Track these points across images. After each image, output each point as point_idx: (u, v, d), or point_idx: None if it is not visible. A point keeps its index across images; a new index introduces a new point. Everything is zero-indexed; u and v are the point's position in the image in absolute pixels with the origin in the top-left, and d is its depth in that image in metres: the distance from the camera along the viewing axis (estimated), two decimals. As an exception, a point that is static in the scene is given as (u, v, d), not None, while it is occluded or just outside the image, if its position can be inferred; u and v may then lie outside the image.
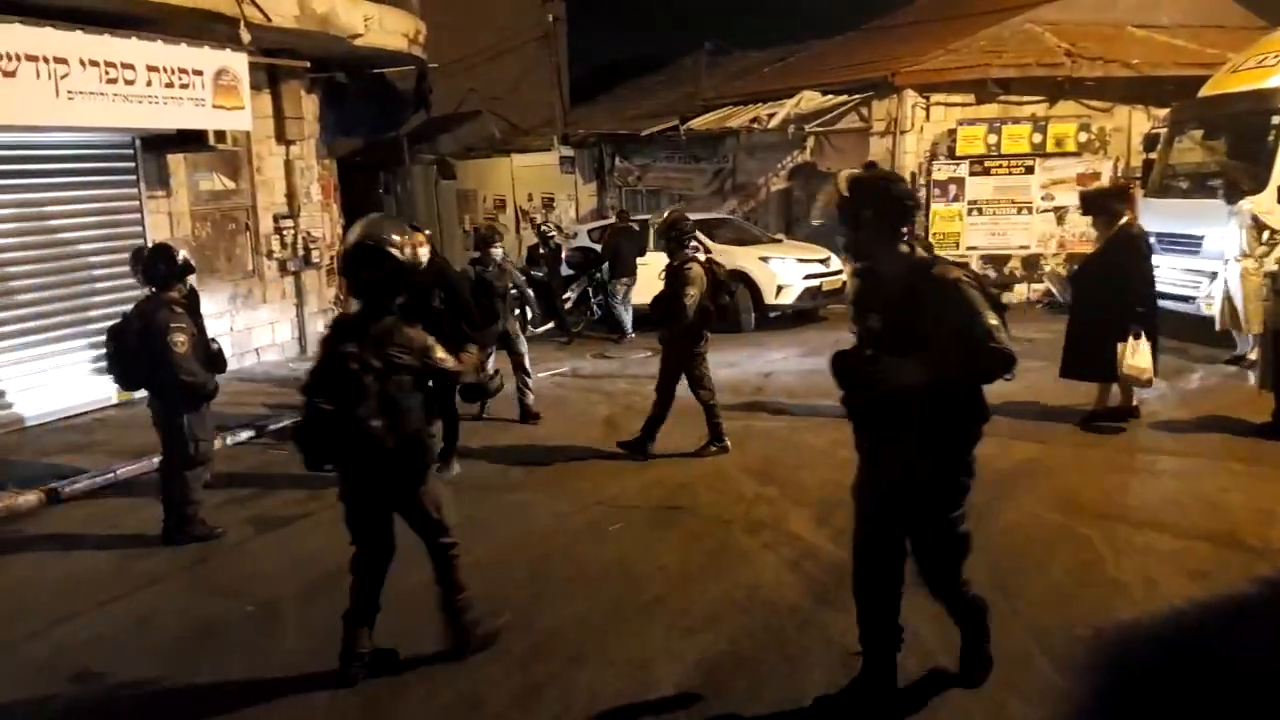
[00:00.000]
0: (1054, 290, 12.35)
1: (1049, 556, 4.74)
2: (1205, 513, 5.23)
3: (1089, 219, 7.08)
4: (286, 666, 3.93)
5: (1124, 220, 6.62)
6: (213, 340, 5.45)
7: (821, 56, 16.97)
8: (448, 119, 25.93)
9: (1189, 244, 9.50)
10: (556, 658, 3.87)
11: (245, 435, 7.83)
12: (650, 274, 12.37)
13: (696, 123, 15.62)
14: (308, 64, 9.85)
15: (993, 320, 2.99)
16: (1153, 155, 10.82)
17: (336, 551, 4.01)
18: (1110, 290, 6.51)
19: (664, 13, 27.02)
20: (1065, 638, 3.88)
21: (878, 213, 3.16)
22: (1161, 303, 8.75)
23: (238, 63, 8.33)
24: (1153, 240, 9.43)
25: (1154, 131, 11.27)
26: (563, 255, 12.13)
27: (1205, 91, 10.30)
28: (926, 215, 13.52)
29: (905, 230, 3.18)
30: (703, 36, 22.15)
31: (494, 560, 4.92)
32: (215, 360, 5.41)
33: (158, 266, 5.25)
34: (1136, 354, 6.46)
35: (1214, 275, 8.91)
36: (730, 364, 10.16)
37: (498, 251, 7.67)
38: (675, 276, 6.58)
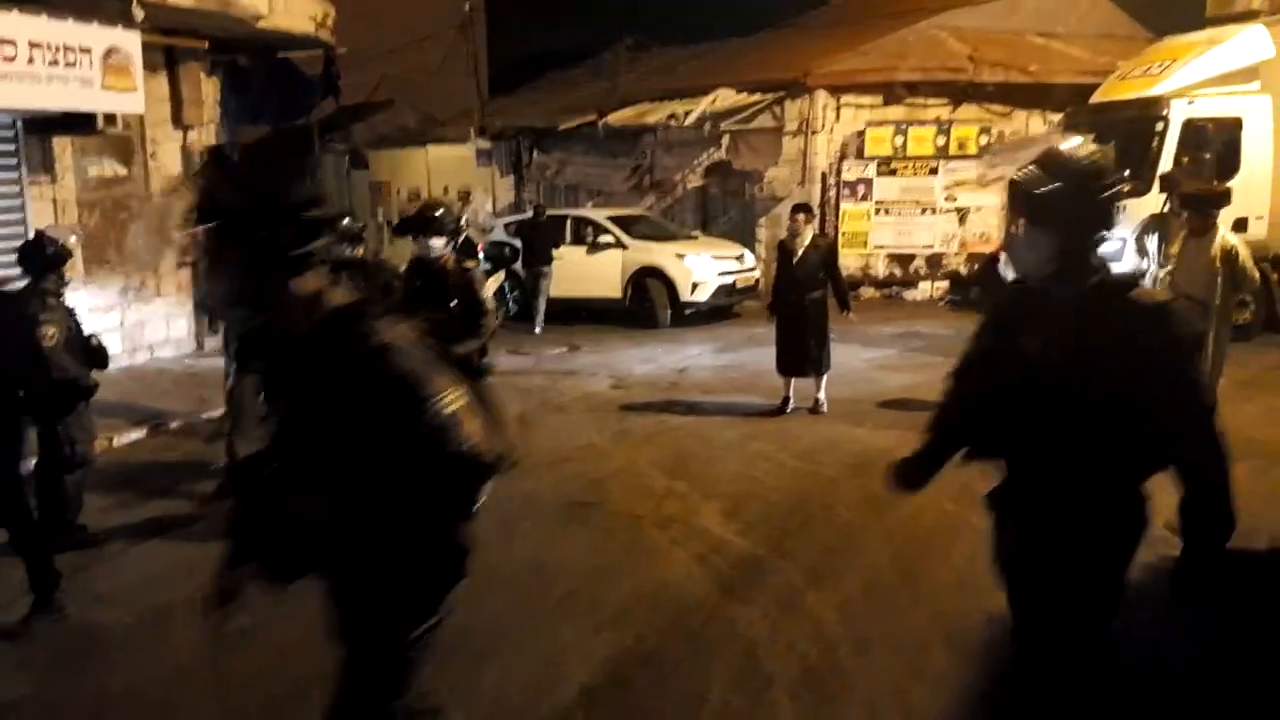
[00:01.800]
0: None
1: (947, 545, 4.87)
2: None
3: (992, 219, 7.31)
4: (170, 682, 3.74)
5: None
6: (91, 335, 5.17)
7: (738, 55, 17.14)
8: (361, 108, 25.27)
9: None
10: (465, 655, 3.79)
11: (135, 435, 7.46)
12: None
13: (614, 118, 15.61)
14: (205, 44, 9.43)
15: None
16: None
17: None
18: None
19: (587, 6, 26.95)
20: (965, 624, 3.98)
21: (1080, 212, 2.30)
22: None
23: (129, 41, 7.93)
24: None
25: (1050, 133, 11.74)
26: (478, 250, 11.92)
27: (1096, 98, 10.80)
28: (837, 214, 13.82)
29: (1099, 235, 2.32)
30: (626, 30, 22.19)
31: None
32: (94, 356, 5.13)
33: (30, 254, 4.95)
34: None
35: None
36: (647, 359, 10.20)
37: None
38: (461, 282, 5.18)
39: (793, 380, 7.55)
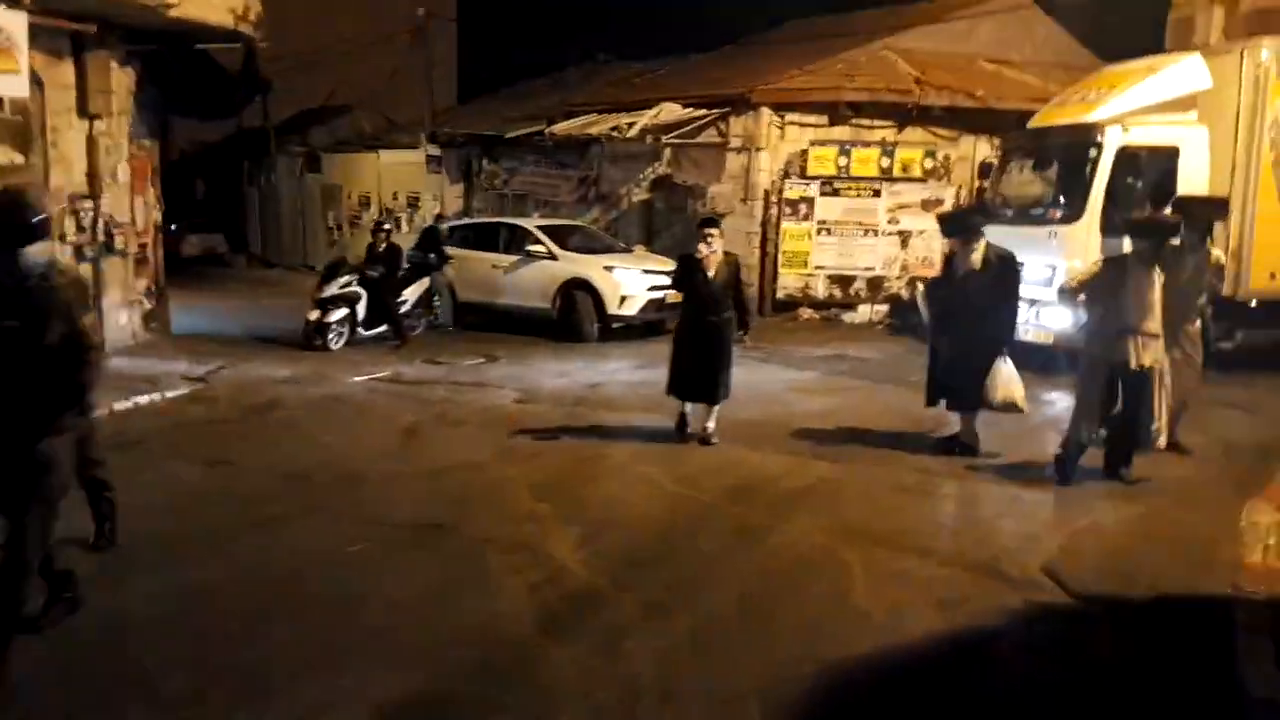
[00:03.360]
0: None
1: (805, 583, 4.55)
2: (976, 539, 5.15)
3: (948, 240, 6.97)
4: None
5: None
6: None
7: (689, 70, 16.94)
8: (319, 111, 25.03)
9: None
10: (215, 703, 3.41)
11: None
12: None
13: (559, 127, 15.32)
14: (93, 28, 9.00)
15: None
16: (986, 183, 11.07)
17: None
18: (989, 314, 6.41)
19: (563, 21, 26.80)
20: (790, 675, 3.65)
21: None
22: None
23: (14, 22, 7.54)
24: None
25: (987, 160, 11.55)
26: (403, 255, 11.57)
27: (1033, 123, 10.60)
28: (778, 233, 13.57)
29: None
30: (601, 47, 21.98)
31: (208, 585, 4.42)
32: None
33: None
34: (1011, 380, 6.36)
35: (1033, 302, 9.10)
36: (561, 374, 9.85)
37: None
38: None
39: (687, 403, 7.12)
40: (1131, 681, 3.69)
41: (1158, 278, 5.77)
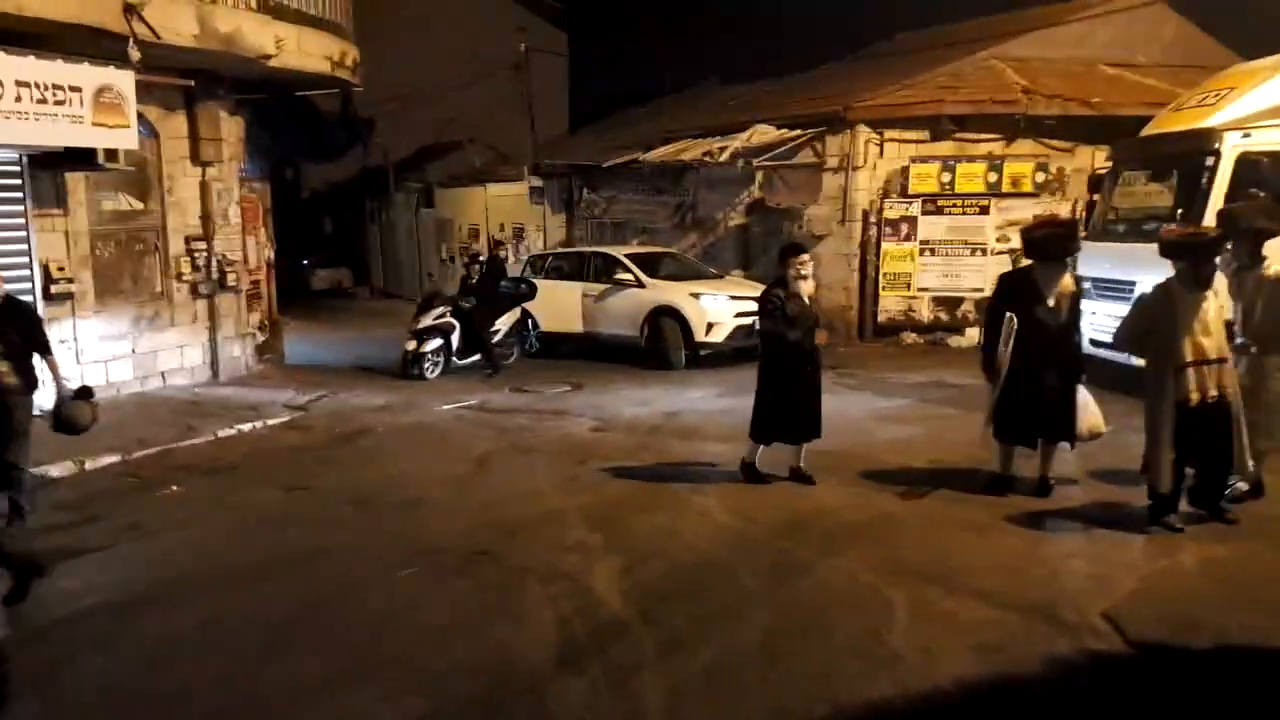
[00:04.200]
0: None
1: (840, 621, 4.32)
2: (1038, 580, 4.77)
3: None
4: None
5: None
6: None
7: (784, 90, 16.73)
8: (434, 148, 26.14)
9: (1122, 290, 9.02)
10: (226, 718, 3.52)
11: (107, 460, 7.58)
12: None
13: (653, 155, 15.40)
14: (191, 82, 9.69)
15: None
16: (1097, 197, 10.38)
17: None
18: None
19: (664, 48, 27.13)
20: (796, 715, 3.45)
21: None
22: (1095, 351, 8.30)
23: (122, 80, 8.20)
24: (1088, 285, 9.06)
25: (1097, 171, 10.84)
26: (498, 285, 11.87)
27: (1148, 130, 9.87)
28: (877, 254, 13.16)
29: None
30: (701, 72, 22.10)
31: (253, 611, 4.60)
32: None
33: None
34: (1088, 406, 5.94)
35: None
36: (642, 402, 9.81)
37: None
38: None
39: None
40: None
41: (1213, 299, 5.20)
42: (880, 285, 13.16)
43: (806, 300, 6.33)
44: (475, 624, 4.40)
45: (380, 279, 25.21)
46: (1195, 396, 5.13)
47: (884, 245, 13.10)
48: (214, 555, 5.40)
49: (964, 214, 12.88)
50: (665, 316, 11.66)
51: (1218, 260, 5.39)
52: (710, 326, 11.39)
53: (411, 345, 11.12)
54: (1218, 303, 5.34)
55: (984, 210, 12.80)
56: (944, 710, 3.56)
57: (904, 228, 13.04)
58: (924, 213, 12.95)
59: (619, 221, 17.42)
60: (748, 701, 3.60)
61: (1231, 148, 8.55)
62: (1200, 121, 9.07)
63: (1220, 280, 5.42)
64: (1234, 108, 8.85)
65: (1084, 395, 5.93)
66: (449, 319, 11.25)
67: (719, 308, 11.44)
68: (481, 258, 12.13)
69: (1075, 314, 5.95)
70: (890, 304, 13.17)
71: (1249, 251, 5.70)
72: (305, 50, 10.02)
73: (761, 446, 6.56)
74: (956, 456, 7.02)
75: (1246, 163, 8.53)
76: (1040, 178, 12.76)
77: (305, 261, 25.34)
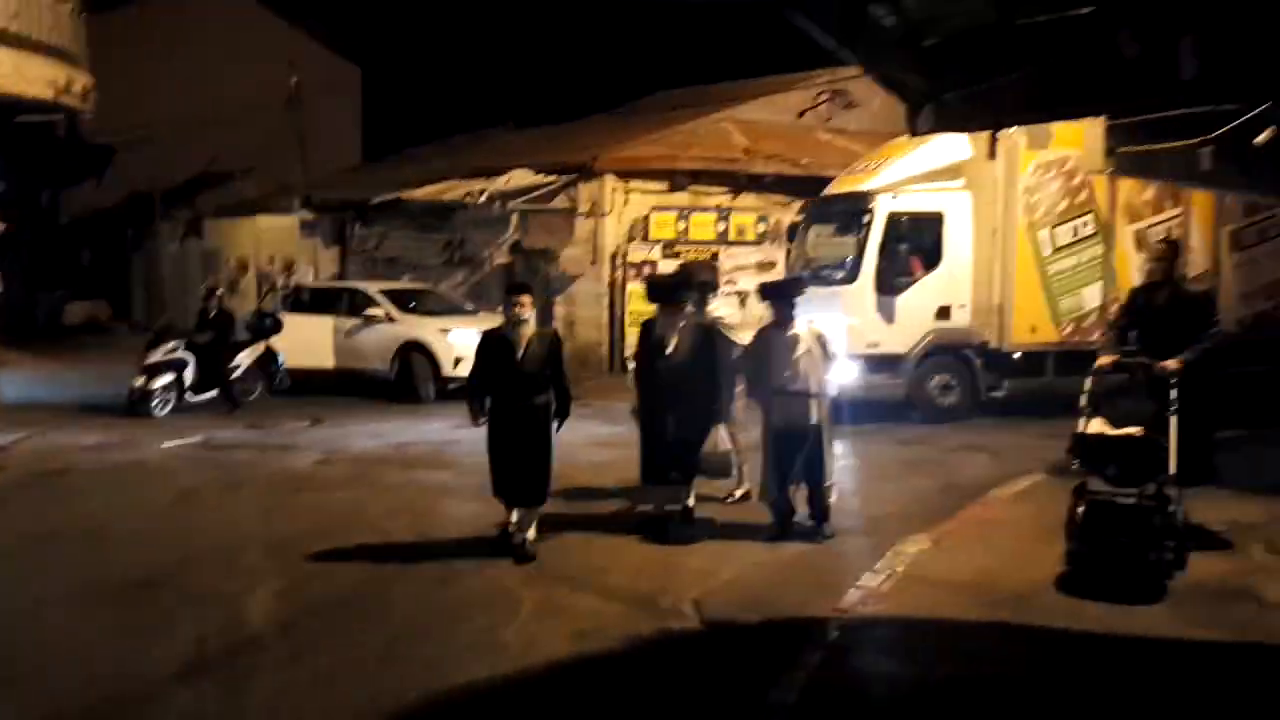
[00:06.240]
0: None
1: (468, 621, 4.90)
2: (653, 576, 5.56)
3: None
4: None
5: None
6: None
7: (549, 136, 17.69)
8: (208, 177, 25.24)
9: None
10: None
11: None
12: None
13: (418, 193, 15.85)
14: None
15: None
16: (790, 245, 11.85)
17: None
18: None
19: (467, 86, 27.70)
20: (386, 703, 3.98)
21: None
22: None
23: None
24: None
25: (794, 222, 12.35)
26: (235, 320, 11.83)
27: (827, 191, 11.43)
28: (624, 295, 14.17)
29: None
30: (497, 115, 22.74)
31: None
32: None
33: None
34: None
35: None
36: (377, 435, 10.13)
37: None
38: None
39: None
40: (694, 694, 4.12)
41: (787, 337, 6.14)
42: (625, 323, 14.18)
43: (521, 342, 5.75)
44: (113, 646, 4.62)
45: (143, 313, 23.92)
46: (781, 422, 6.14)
47: (629, 286, 14.14)
48: None
49: (697, 258, 14.14)
50: (415, 351, 12.06)
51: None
52: (458, 361, 11.87)
53: (139, 381, 10.89)
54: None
55: (715, 256, 14.12)
56: (525, 684, 4.21)
57: (646, 270, 14.13)
58: (664, 256, 14.11)
59: (391, 257, 17.64)
60: (348, 693, 4.09)
61: (883, 207, 10.12)
62: (861, 185, 10.67)
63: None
64: (886, 174, 10.48)
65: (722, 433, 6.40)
66: (182, 354, 11.11)
67: (467, 343, 11.94)
68: (219, 291, 12.05)
69: (700, 356, 6.15)
70: (635, 340, 14.16)
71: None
72: (27, 76, 9.78)
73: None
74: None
75: (895, 220, 10.13)
76: (761, 228, 14.29)
77: (59, 293, 23.68)
